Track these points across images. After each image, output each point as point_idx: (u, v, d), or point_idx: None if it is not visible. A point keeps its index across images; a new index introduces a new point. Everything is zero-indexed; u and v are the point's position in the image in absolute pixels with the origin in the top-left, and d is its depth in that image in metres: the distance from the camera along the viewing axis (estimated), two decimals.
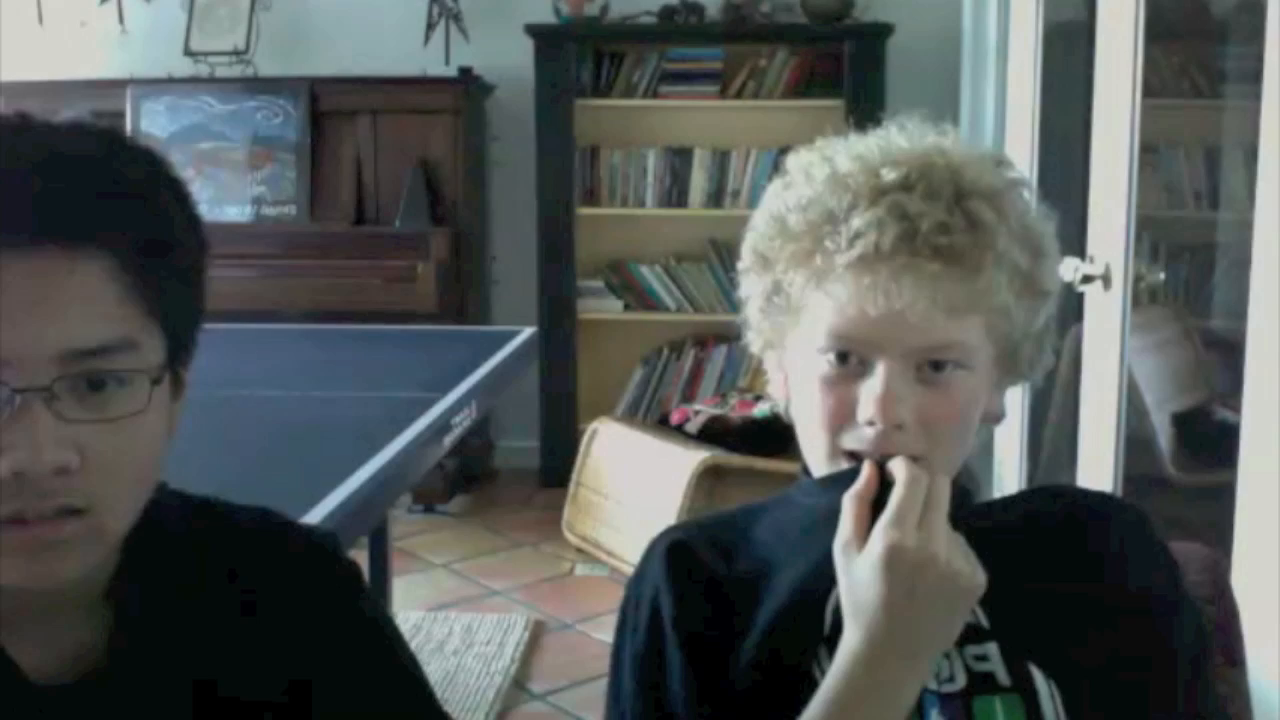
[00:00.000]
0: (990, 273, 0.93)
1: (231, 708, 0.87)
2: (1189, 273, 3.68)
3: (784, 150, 4.72)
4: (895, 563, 0.86)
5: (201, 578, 0.90)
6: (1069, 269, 2.44)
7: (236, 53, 4.48)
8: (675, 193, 4.53)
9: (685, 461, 3.56)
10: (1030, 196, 1.00)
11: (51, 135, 0.79)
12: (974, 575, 0.88)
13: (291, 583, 0.92)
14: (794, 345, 0.99)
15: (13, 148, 0.77)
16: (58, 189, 0.75)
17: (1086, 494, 1.09)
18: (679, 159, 4.53)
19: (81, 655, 0.84)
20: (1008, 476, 3.62)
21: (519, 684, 3.04)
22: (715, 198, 4.51)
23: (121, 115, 4.31)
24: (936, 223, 0.91)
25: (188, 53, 4.50)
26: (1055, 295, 1.00)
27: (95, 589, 0.85)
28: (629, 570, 1.09)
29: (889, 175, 0.94)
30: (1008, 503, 1.09)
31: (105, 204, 0.77)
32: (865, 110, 4.72)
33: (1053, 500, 1.06)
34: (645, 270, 4.61)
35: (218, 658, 0.88)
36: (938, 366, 0.93)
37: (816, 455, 0.98)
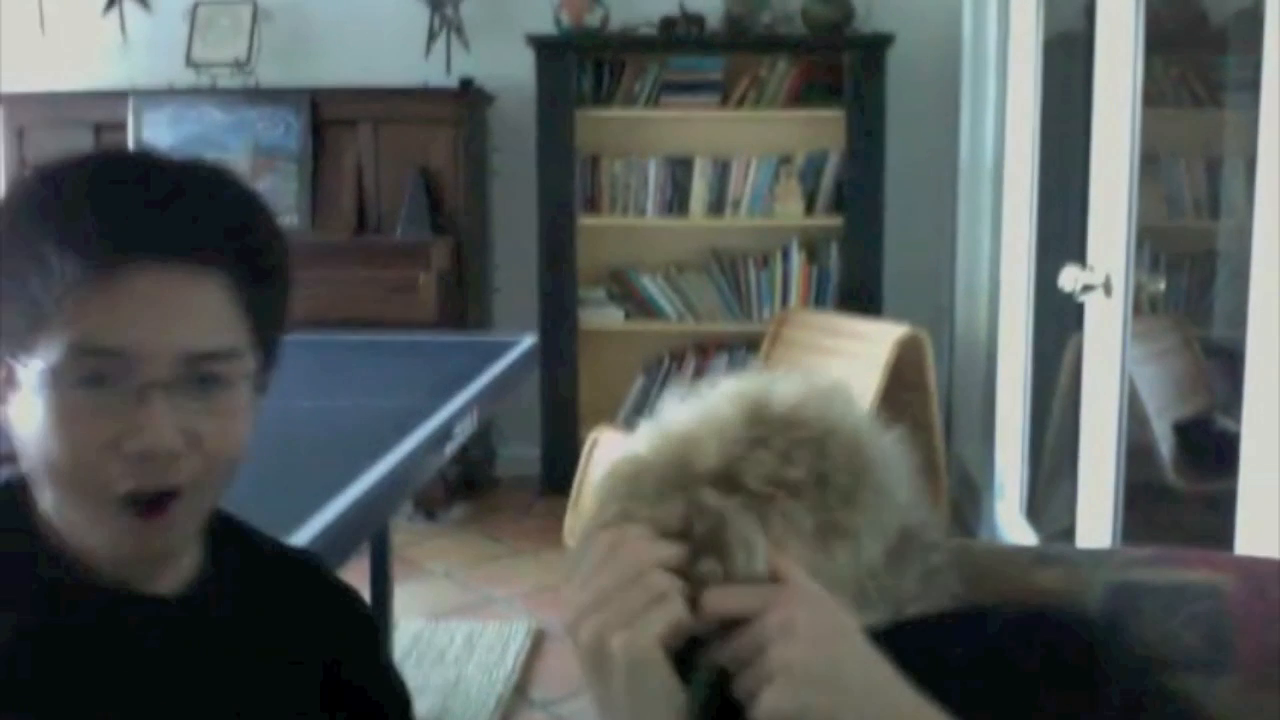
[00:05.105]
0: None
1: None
2: (1189, 281, 3.68)
3: (784, 159, 4.71)
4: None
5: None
6: (1069, 278, 2.45)
7: (238, 63, 4.49)
8: (676, 202, 4.53)
9: None
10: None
11: (176, 169, 0.93)
12: None
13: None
14: None
15: (147, 178, 0.91)
16: (190, 215, 0.90)
17: (1006, 624, 0.90)
18: (680, 168, 4.53)
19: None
20: (1009, 485, 3.62)
21: (520, 692, 3.03)
22: (716, 207, 4.48)
23: (124, 125, 4.32)
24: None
25: (189, 63, 4.51)
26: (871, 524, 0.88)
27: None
28: None
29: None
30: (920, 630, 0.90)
31: (227, 231, 0.92)
32: (866, 120, 4.71)
33: (972, 630, 0.89)
34: (646, 279, 4.61)
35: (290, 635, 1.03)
36: None
37: None
